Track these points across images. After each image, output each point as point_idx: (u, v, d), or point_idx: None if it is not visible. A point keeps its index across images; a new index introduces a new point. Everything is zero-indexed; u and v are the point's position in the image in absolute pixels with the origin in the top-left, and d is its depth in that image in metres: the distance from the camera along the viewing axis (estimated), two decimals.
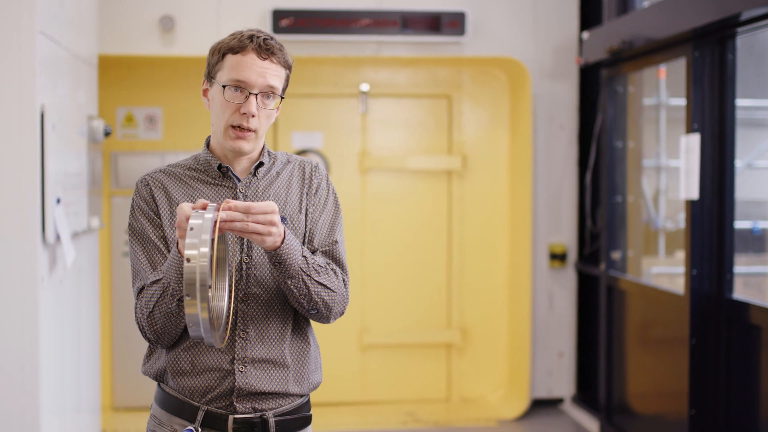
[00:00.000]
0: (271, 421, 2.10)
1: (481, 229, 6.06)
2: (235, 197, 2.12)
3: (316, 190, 2.19)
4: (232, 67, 2.06)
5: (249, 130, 2.08)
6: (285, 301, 2.11)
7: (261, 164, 2.16)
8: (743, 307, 3.97)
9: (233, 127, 2.07)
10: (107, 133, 4.63)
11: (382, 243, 6.01)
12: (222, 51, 2.08)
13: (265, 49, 2.08)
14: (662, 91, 5.28)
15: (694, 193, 4.17)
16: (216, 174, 2.14)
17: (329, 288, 2.08)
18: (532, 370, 5.84)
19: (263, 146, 2.20)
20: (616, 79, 5.17)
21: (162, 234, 2.09)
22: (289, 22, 5.47)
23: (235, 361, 2.07)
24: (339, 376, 5.95)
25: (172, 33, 5.44)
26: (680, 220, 5.06)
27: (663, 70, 5.22)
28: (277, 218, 1.93)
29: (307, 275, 2.04)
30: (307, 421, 2.19)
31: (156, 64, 5.73)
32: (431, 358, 6.06)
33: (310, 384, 2.18)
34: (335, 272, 2.12)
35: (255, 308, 2.09)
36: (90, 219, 4.43)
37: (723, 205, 4.13)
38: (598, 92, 5.48)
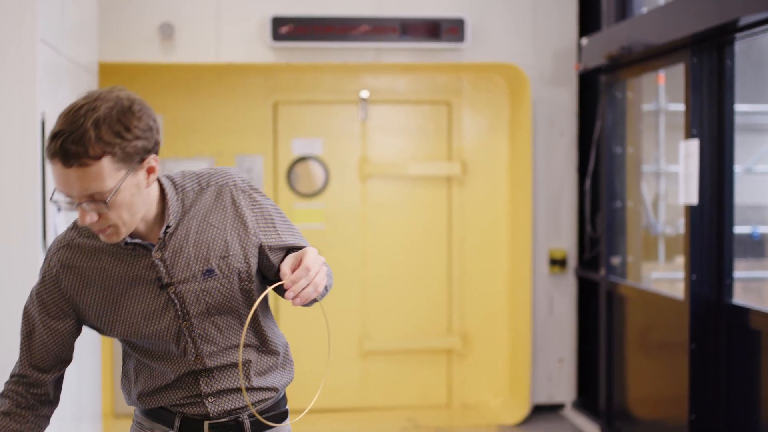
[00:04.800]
0: (246, 422, 2.10)
1: (481, 235, 6.06)
2: (153, 266, 1.98)
3: (251, 208, 2.05)
4: (52, 171, 1.83)
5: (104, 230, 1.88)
6: (243, 341, 2.07)
7: (168, 227, 1.97)
8: (743, 312, 3.97)
9: None
10: None
11: (383, 250, 6.02)
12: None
13: (64, 156, 1.77)
14: (661, 97, 5.29)
15: (694, 199, 4.18)
16: (125, 246, 1.98)
17: (330, 276, 2.07)
18: (533, 376, 5.84)
19: (165, 194, 1.97)
20: (615, 84, 5.19)
21: (53, 325, 2.02)
22: (289, 29, 5.49)
23: (203, 396, 2.07)
24: (340, 382, 5.95)
25: (172, 40, 5.45)
26: (680, 226, 5.07)
27: (662, 75, 5.24)
28: (312, 272, 1.87)
29: (325, 287, 2.01)
30: (283, 416, 2.19)
31: (156, 71, 5.74)
32: (432, 364, 6.07)
33: (281, 383, 2.17)
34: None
35: (212, 361, 2.05)
36: None
37: (722, 210, 4.14)
38: (598, 98, 5.49)
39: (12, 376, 2.06)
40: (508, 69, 5.79)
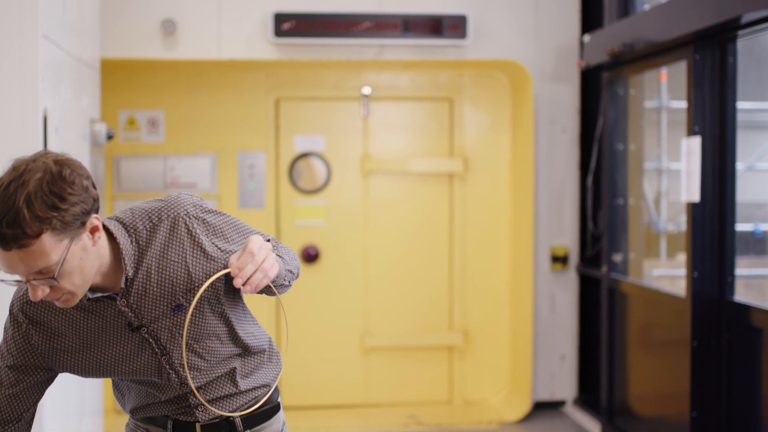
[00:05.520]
0: (237, 420, 2.12)
1: (483, 232, 6.06)
2: (121, 314, 1.96)
3: (206, 234, 1.99)
4: None
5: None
6: (224, 356, 2.08)
7: (126, 277, 1.92)
8: (744, 309, 3.97)
9: None
10: (110, 137, 4.64)
11: (384, 246, 6.02)
12: None
13: (1, 240, 1.68)
14: (663, 94, 5.29)
15: (696, 196, 4.18)
16: (89, 299, 1.94)
17: (294, 259, 2.09)
18: (534, 373, 5.84)
19: (117, 241, 1.90)
20: (617, 81, 5.18)
21: (26, 379, 2.00)
22: (291, 25, 5.48)
23: (192, 407, 2.09)
24: (341, 378, 5.96)
25: (174, 36, 5.45)
26: (681, 223, 5.07)
27: (664, 72, 5.23)
28: (258, 257, 1.86)
29: (289, 271, 2.04)
30: (275, 409, 2.20)
31: (158, 67, 5.74)
32: (433, 360, 6.07)
33: (271, 377, 2.18)
34: (278, 247, 2.10)
35: (198, 381, 2.06)
36: None
37: (724, 207, 4.14)
38: (600, 95, 5.49)
39: None
40: (510, 66, 5.78)
